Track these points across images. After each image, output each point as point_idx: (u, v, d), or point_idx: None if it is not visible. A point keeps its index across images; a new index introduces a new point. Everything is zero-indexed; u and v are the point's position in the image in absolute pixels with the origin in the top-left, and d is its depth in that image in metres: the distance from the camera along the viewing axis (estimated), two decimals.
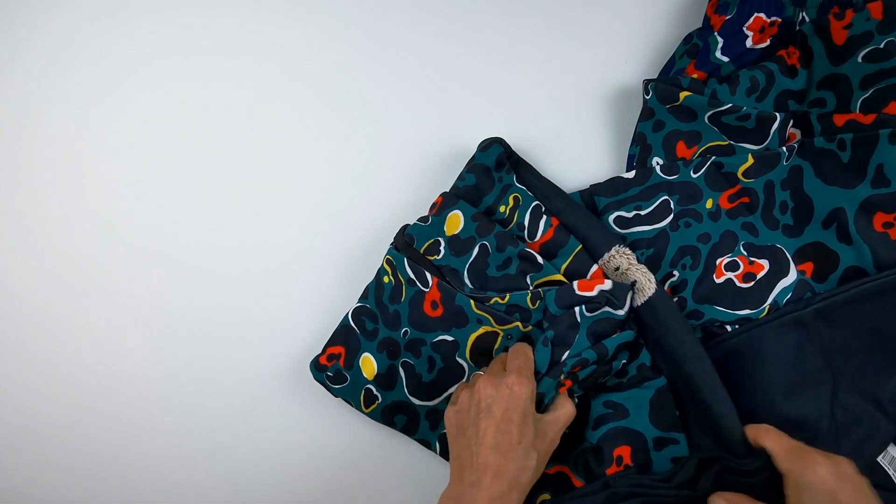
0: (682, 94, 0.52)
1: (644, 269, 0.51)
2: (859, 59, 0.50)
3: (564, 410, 0.47)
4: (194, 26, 0.62)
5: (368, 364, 0.55)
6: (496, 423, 0.43)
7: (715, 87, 0.52)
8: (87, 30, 0.62)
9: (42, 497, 0.61)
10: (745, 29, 0.52)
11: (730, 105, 0.51)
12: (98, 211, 0.62)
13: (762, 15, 0.52)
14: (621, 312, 0.49)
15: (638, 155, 0.55)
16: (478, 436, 0.43)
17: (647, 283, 0.51)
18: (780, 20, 0.52)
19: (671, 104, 0.52)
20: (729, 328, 0.51)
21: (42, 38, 0.63)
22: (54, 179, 0.62)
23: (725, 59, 0.53)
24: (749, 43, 0.52)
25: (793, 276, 0.52)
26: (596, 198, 0.55)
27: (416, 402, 0.55)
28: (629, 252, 0.52)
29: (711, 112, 0.52)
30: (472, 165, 0.54)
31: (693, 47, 0.55)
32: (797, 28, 0.52)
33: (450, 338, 0.54)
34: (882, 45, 0.49)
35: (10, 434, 0.62)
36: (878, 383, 0.49)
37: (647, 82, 0.53)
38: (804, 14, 0.52)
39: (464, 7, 0.60)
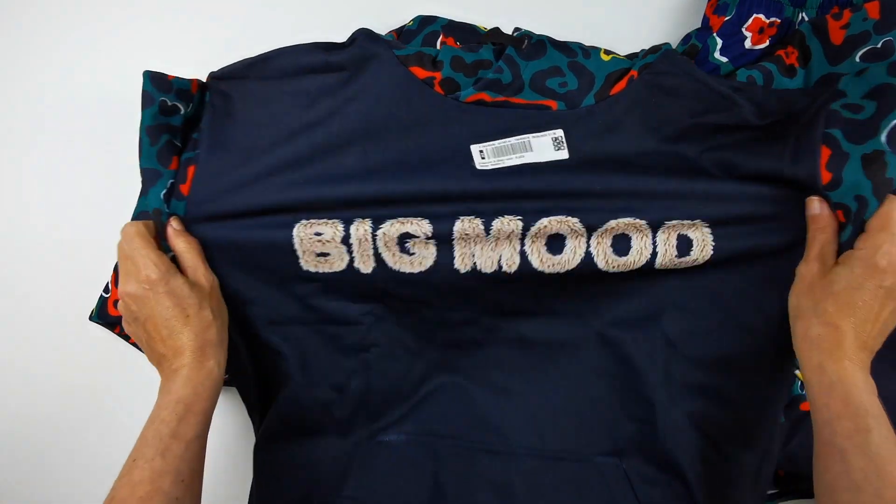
0: None
1: None
2: (857, 59, 0.50)
3: None
4: None
5: None
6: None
7: None
8: None
9: None
10: (744, 30, 0.53)
11: None
12: None
13: (761, 16, 0.52)
14: None
15: None
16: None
17: None
18: (779, 21, 0.52)
19: None
20: None
21: None
22: None
23: (724, 59, 0.53)
24: (748, 44, 0.53)
25: None
26: None
27: None
28: None
29: None
30: None
31: (692, 48, 0.55)
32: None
33: None
34: (879, 45, 0.49)
35: None
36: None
37: None
38: (804, 14, 0.53)
39: (463, 7, 0.60)
